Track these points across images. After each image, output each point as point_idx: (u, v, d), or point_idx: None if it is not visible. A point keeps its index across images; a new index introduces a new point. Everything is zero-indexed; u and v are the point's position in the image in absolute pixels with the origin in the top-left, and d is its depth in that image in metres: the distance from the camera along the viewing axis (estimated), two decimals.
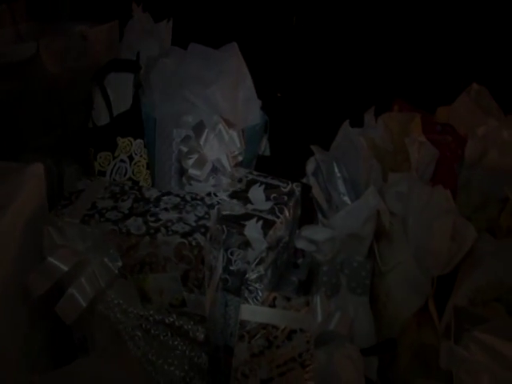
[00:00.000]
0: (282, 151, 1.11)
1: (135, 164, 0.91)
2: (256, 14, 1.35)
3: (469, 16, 1.35)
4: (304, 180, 0.88)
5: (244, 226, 0.75)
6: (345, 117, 1.01)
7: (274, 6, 1.39)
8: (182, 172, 0.86)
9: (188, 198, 0.71)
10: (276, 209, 0.78)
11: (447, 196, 0.75)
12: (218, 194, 0.82)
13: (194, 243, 0.64)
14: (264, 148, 1.04)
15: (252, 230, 0.74)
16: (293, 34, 1.42)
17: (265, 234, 0.74)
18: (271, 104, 1.34)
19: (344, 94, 1.28)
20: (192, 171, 0.83)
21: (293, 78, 1.39)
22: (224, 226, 0.75)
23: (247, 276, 0.73)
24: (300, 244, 0.77)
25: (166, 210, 0.69)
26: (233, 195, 0.82)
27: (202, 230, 0.66)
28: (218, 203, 0.70)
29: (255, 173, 0.88)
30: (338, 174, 0.87)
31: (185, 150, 0.85)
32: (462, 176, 0.87)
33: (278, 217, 0.77)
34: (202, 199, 0.71)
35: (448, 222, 0.72)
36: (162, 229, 0.66)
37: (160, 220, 0.67)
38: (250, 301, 0.71)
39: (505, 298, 0.76)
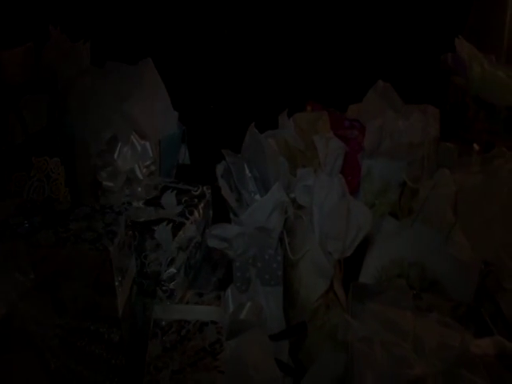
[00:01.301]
0: (205, 159, 1.14)
1: (53, 182, 0.93)
2: (188, 28, 1.39)
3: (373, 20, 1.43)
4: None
5: (154, 230, 0.78)
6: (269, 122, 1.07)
7: (206, 19, 1.43)
8: (99, 185, 0.89)
9: (98, 207, 0.74)
10: (186, 211, 0.82)
11: (343, 184, 0.80)
12: (133, 203, 0.85)
13: (101, 248, 0.66)
14: (183, 157, 1.08)
15: (162, 232, 0.77)
16: (225, 47, 1.46)
17: (174, 236, 0.77)
18: (205, 116, 1.38)
19: (271, 102, 1.33)
20: (106, 183, 0.86)
21: (223, 90, 1.43)
22: (137, 232, 0.78)
23: (160, 277, 0.76)
24: (211, 243, 0.80)
25: (76, 220, 0.72)
26: (147, 202, 0.86)
27: (110, 235, 0.69)
28: (126, 210, 0.74)
29: (168, 180, 0.91)
30: (249, 174, 0.91)
31: (99, 163, 0.88)
32: (364, 165, 0.93)
33: (187, 218, 0.81)
34: (110, 207, 0.74)
35: (343, 208, 0.77)
36: (72, 238, 0.68)
37: (70, 230, 0.70)
38: (165, 300, 0.74)
39: (406, 274, 0.81)
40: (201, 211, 0.84)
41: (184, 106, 1.15)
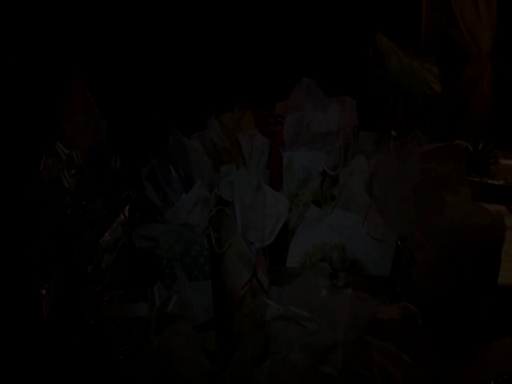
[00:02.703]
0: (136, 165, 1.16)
1: None
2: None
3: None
4: None
5: (81, 234, 0.80)
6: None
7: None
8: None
9: None
10: (111, 214, 0.84)
11: (259, 177, 0.84)
12: (61, 210, 0.87)
13: None
14: (115, 164, 1.09)
15: (87, 236, 0.79)
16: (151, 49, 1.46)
17: (99, 238, 0.79)
18: (137, 123, 1.39)
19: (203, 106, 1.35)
20: (33, 193, 0.87)
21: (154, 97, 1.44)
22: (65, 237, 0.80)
23: (88, 278, 0.78)
24: (138, 243, 0.82)
25: None
26: (74, 209, 0.87)
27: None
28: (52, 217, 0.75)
29: (96, 186, 0.93)
30: (175, 175, 0.94)
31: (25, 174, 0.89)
32: (285, 157, 0.97)
33: (112, 221, 0.83)
34: None
35: (260, 199, 0.81)
36: None
37: None
38: (92, 301, 0.76)
39: (328, 257, 0.85)
40: (126, 214, 0.87)
41: (116, 114, 1.17)
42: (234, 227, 0.84)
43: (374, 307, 0.66)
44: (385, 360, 0.60)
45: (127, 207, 0.87)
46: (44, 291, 0.72)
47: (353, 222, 0.87)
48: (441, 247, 0.79)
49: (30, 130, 0.96)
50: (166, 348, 0.67)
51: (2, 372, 0.68)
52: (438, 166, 0.90)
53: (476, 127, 1.26)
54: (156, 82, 1.40)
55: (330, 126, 0.97)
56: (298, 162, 0.96)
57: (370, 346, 0.61)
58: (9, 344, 0.69)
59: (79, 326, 0.73)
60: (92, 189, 0.91)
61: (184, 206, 0.83)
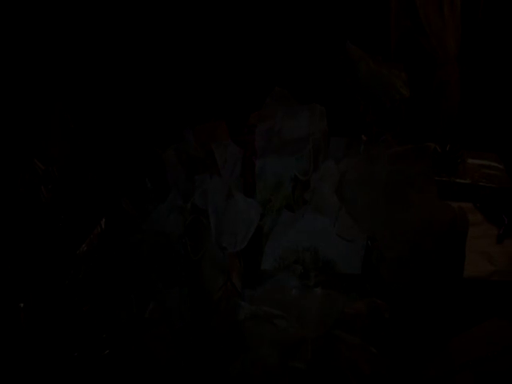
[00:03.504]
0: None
1: None
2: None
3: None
4: None
5: None
6: None
7: None
8: None
9: None
10: (88, 226, 0.87)
11: (231, 184, 0.86)
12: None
13: None
14: (91, 178, 1.12)
15: (64, 248, 0.81)
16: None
17: (76, 249, 0.81)
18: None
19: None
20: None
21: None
22: None
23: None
24: (116, 252, 0.84)
25: None
26: (53, 222, 0.89)
27: None
28: None
29: (74, 199, 0.95)
30: (151, 186, 0.96)
31: None
32: (257, 165, 1.00)
33: (89, 233, 0.85)
34: None
35: (233, 206, 0.83)
36: None
37: None
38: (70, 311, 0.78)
39: (301, 259, 0.88)
40: (103, 225, 0.89)
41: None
42: (207, 233, 0.87)
43: (342, 304, 0.69)
44: (352, 352, 0.63)
45: (104, 219, 0.89)
46: (22, 304, 0.74)
47: (324, 225, 0.90)
48: (408, 244, 0.82)
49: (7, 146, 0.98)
50: (145, 353, 0.69)
51: None
52: (407, 167, 0.94)
53: (444, 129, 1.30)
54: (132, 96, 1.43)
55: (299, 133, 1.00)
56: (269, 168, 0.98)
57: (337, 340, 0.64)
58: None
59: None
60: (69, 202, 0.93)
61: (159, 215, 0.85)
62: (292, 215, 0.94)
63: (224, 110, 1.31)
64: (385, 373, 0.62)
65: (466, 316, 0.78)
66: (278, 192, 0.98)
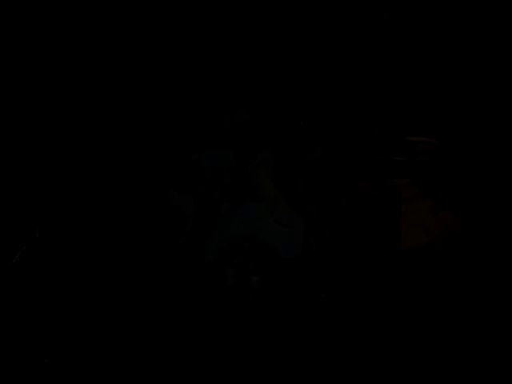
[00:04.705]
0: None
1: None
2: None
3: None
4: None
5: None
6: None
7: None
8: None
9: None
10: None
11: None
12: None
13: None
14: None
15: None
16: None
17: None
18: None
19: None
20: None
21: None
22: None
23: None
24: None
25: None
26: None
27: None
28: None
29: None
30: None
31: None
32: (194, 159, 0.99)
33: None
34: None
35: (167, 203, 0.83)
36: None
37: None
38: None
39: (242, 248, 0.88)
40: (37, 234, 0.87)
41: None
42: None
43: (281, 289, 0.69)
44: None
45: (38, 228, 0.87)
46: None
47: (263, 213, 0.90)
48: (345, 224, 0.83)
49: None
50: None
51: None
52: (343, 150, 0.95)
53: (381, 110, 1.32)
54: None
55: (235, 124, 1.00)
56: (206, 162, 0.98)
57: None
58: None
59: None
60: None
61: None
62: (231, 206, 0.93)
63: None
64: None
65: (404, 286, 0.79)
66: (217, 183, 0.98)
